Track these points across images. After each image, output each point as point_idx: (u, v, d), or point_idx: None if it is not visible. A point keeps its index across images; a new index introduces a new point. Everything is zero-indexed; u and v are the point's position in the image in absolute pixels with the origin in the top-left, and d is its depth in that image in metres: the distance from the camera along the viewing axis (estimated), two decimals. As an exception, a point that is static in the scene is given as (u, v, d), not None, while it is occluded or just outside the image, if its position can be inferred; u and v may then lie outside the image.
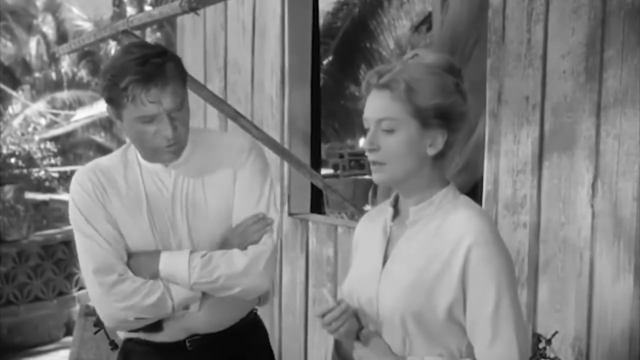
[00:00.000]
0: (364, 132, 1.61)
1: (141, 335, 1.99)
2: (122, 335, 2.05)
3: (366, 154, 1.57)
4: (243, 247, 1.90)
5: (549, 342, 2.43)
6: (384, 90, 1.54)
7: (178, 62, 1.87)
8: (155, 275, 1.87)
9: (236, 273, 1.87)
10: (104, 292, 1.85)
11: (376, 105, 1.55)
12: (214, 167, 1.96)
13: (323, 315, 1.57)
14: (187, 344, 1.97)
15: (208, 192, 1.94)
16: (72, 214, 1.92)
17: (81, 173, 1.96)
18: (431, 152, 1.56)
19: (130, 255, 1.90)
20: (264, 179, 1.99)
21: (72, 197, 1.93)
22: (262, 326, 2.17)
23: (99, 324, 2.11)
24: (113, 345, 2.13)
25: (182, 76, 1.87)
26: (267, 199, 1.97)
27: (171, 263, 1.87)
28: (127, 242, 1.90)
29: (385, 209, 1.69)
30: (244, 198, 1.95)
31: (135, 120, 1.83)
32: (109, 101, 1.86)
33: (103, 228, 1.88)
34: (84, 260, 1.89)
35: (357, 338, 1.60)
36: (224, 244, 1.92)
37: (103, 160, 2.02)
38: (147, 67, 1.78)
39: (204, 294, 1.90)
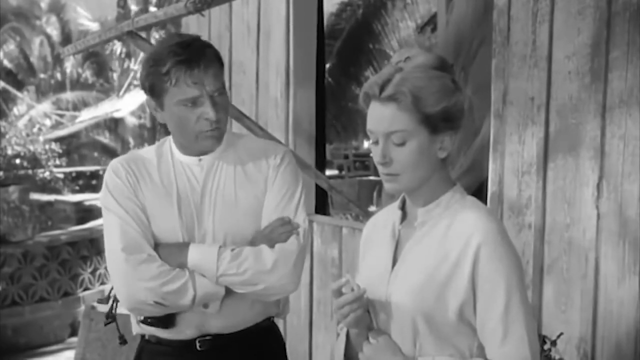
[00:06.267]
0: (367, 134, 1.60)
1: (153, 331, 1.99)
2: (135, 331, 2.06)
3: (377, 166, 1.57)
4: (269, 246, 1.91)
5: (554, 343, 2.43)
6: (389, 102, 1.52)
7: (216, 49, 1.93)
8: (182, 265, 1.89)
9: (264, 269, 1.88)
10: (130, 268, 1.85)
11: (383, 118, 1.53)
12: (247, 166, 1.99)
13: (337, 295, 1.56)
14: (198, 344, 1.97)
15: (239, 188, 1.97)
16: (104, 197, 1.96)
17: (116, 161, 2.01)
18: (442, 154, 1.56)
19: (159, 245, 1.92)
20: (296, 184, 2.01)
21: (105, 182, 1.98)
22: (279, 334, 2.16)
23: (110, 316, 2.11)
24: (122, 339, 2.13)
25: (220, 62, 1.92)
26: (297, 204, 1.99)
27: (200, 253, 1.88)
28: (153, 231, 1.93)
29: (392, 211, 1.69)
30: (274, 201, 1.97)
31: (177, 104, 1.86)
32: (150, 90, 1.90)
33: (133, 211, 1.91)
34: (113, 238, 1.90)
35: (366, 338, 1.60)
36: (250, 244, 1.93)
37: (139, 151, 2.07)
38: (188, 50, 1.84)
39: (226, 292, 1.91)
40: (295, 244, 1.94)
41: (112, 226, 1.92)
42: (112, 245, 1.91)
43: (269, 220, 1.96)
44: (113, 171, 1.97)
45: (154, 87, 1.88)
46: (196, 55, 1.84)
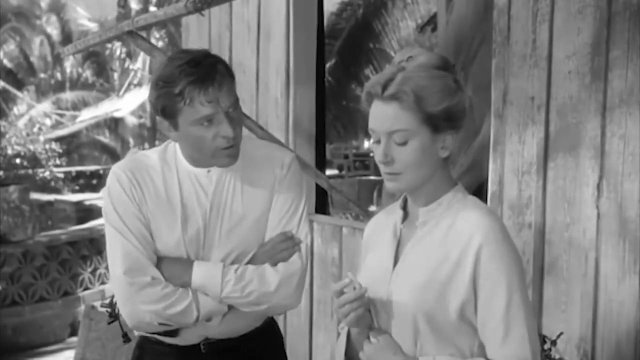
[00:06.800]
0: (368, 133, 1.60)
1: (155, 336, 1.99)
2: (137, 332, 2.05)
3: (379, 165, 1.56)
4: (272, 264, 1.90)
5: (554, 343, 2.43)
6: (391, 101, 1.52)
7: (225, 63, 1.87)
8: (186, 284, 1.86)
9: (269, 291, 1.88)
10: (133, 292, 1.83)
11: (385, 117, 1.53)
12: (255, 178, 1.95)
13: (338, 294, 1.57)
14: (202, 347, 1.98)
15: (246, 202, 1.93)
16: (107, 208, 1.90)
17: (120, 168, 1.93)
18: (444, 154, 1.56)
19: (161, 260, 1.88)
20: (300, 196, 1.99)
21: (108, 190, 1.91)
22: (277, 330, 2.16)
23: (113, 315, 2.12)
24: (126, 337, 2.14)
25: (232, 76, 1.86)
26: (299, 218, 1.98)
27: (204, 273, 1.86)
28: (156, 245, 1.89)
29: (394, 210, 1.69)
30: (278, 215, 1.95)
31: (193, 124, 1.81)
32: (163, 111, 1.83)
33: (136, 228, 1.87)
34: (115, 257, 1.86)
35: (367, 337, 1.60)
36: (252, 260, 1.92)
37: (143, 157, 1.98)
38: (200, 68, 1.78)
39: (229, 306, 1.90)
40: (298, 264, 1.94)
41: (114, 244, 1.88)
42: (114, 266, 1.87)
43: (272, 235, 1.95)
44: (117, 180, 1.91)
45: (166, 109, 1.82)
46: (209, 73, 1.78)
